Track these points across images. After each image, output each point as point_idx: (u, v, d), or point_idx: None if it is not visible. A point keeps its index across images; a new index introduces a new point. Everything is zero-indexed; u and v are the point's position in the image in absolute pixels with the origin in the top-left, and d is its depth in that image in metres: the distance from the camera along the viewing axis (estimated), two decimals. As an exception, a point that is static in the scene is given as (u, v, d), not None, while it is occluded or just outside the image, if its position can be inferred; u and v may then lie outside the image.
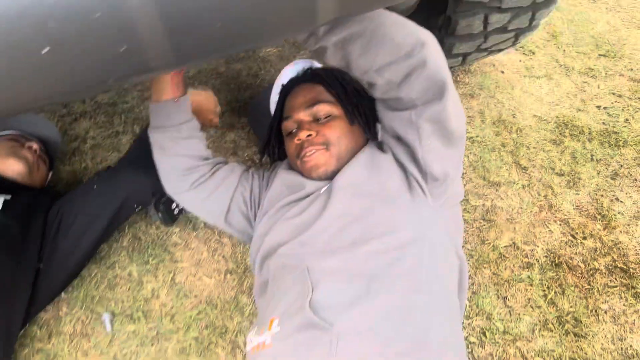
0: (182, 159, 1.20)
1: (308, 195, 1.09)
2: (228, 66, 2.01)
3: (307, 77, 1.21)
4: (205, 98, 1.41)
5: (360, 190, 1.03)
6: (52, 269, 1.29)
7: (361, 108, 1.14)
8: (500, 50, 1.65)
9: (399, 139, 1.05)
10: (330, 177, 1.10)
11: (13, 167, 1.37)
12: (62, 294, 1.36)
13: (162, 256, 1.43)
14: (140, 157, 1.30)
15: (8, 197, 1.29)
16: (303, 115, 1.14)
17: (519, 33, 1.53)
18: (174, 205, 1.47)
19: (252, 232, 1.25)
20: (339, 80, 1.15)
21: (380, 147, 1.11)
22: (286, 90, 1.24)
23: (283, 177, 1.19)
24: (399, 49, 0.93)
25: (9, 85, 0.48)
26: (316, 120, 1.14)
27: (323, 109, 1.14)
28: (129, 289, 1.37)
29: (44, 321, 1.32)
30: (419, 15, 1.58)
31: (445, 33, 1.46)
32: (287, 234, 1.05)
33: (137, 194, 1.36)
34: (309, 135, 1.10)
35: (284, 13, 0.53)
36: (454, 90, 0.98)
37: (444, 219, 1.05)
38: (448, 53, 1.52)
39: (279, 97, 1.26)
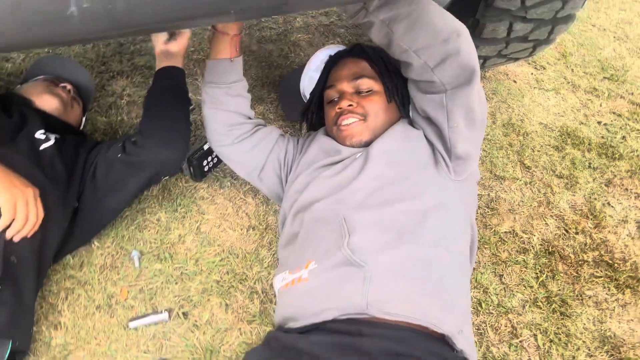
0: (230, 114, 1.33)
1: (343, 160, 1.22)
2: (260, 45, 2.13)
3: (353, 52, 1.34)
4: None
5: (394, 158, 1.17)
6: (86, 212, 1.39)
7: (399, 87, 1.27)
8: (516, 59, 1.80)
9: (428, 119, 1.19)
10: (364, 145, 1.23)
11: (48, 101, 1.48)
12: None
13: (189, 207, 1.54)
14: (165, 132, 1.39)
15: (57, 136, 1.40)
16: (346, 87, 1.27)
17: (537, 44, 1.68)
18: (205, 162, 1.58)
19: (281, 191, 1.38)
20: (383, 59, 1.28)
21: (411, 124, 1.25)
22: (332, 61, 1.37)
23: (320, 142, 1.31)
24: (438, 35, 1.06)
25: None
26: (357, 92, 1.27)
27: (365, 83, 1.27)
28: (157, 232, 1.48)
29: (77, 252, 1.42)
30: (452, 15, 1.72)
31: (472, 35, 1.59)
32: (324, 191, 1.18)
33: (165, 169, 1.45)
34: (350, 105, 1.24)
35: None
36: (479, 81, 1.12)
37: (462, 192, 1.20)
38: (471, 54, 1.66)
39: (324, 67, 1.39)
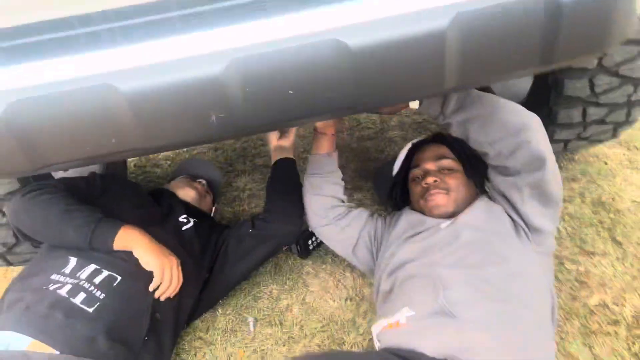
0: (327, 199, 1.59)
1: (428, 229, 1.41)
2: (359, 143, 2.44)
3: (435, 139, 1.57)
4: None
5: (480, 227, 1.35)
6: (216, 280, 1.69)
7: (475, 168, 1.46)
8: (601, 141, 1.89)
9: (504, 197, 1.38)
10: (447, 217, 1.42)
11: (188, 193, 1.86)
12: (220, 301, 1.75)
13: (296, 280, 1.78)
14: (286, 210, 1.71)
15: (195, 220, 1.75)
16: (430, 165, 1.50)
17: (617, 126, 1.77)
18: (310, 242, 1.84)
19: (373, 265, 1.58)
20: (460, 144, 1.49)
21: (490, 199, 1.43)
22: (415, 147, 1.61)
23: (407, 217, 1.53)
24: (509, 129, 1.29)
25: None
26: (440, 171, 1.49)
27: (447, 163, 1.49)
28: (269, 302, 1.72)
29: (204, 317, 1.70)
30: (529, 104, 1.89)
31: (547, 121, 1.74)
32: (414, 254, 1.37)
33: (285, 239, 1.76)
34: (435, 181, 1.45)
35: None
36: (554, 163, 1.30)
37: (541, 261, 1.35)
38: (550, 139, 1.78)
39: (408, 152, 1.63)
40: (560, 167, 2.00)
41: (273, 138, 1.80)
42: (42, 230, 1.45)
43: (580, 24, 0.86)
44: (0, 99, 0.83)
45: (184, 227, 1.68)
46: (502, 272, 1.24)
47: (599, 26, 0.89)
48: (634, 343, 1.41)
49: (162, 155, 2.61)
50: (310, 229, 1.80)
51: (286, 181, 1.74)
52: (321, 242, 1.87)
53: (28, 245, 1.69)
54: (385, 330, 1.26)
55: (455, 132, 1.40)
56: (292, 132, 1.80)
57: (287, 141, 1.78)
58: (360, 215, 1.63)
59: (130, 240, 1.46)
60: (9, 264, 1.80)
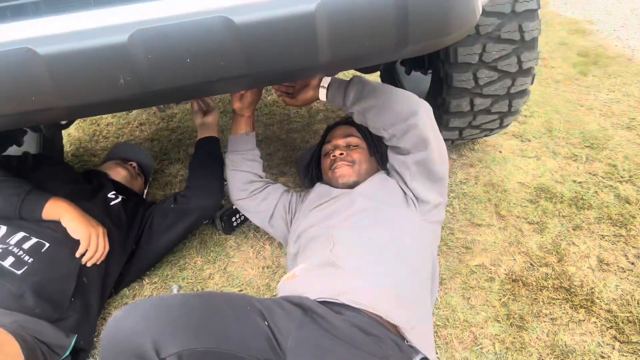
0: (246, 174, 1.78)
1: (333, 198, 1.62)
2: (288, 135, 2.63)
3: (346, 121, 1.79)
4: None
5: (374, 196, 1.57)
6: (142, 251, 1.82)
7: (378, 147, 1.69)
8: (492, 130, 2.15)
9: (397, 173, 1.61)
10: (351, 187, 1.63)
11: (120, 172, 2.01)
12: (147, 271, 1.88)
13: (220, 253, 1.94)
14: (205, 186, 1.88)
15: (124, 197, 1.88)
16: (339, 141, 1.73)
17: (502, 116, 2.04)
18: (233, 219, 2.00)
19: (288, 234, 1.76)
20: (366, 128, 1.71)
21: (388, 175, 1.66)
22: (329, 127, 1.83)
23: (316, 190, 1.73)
24: (399, 115, 1.53)
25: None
26: (347, 146, 1.70)
27: (353, 140, 1.72)
28: (193, 272, 1.87)
29: (131, 286, 1.83)
30: (428, 98, 2.14)
31: (442, 110, 1.99)
32: (317, 219, 1.58)
33: (205, 213, 1.91)
34: (341, 154, 1.66)
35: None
36: (439, 145, 1.56)
37: (426, 228, 1.58)
38: (446, 126, 2.04)
39: (324, 132, 1.84)
40: (461, 155, 2.27)
41: (197, 116, 1.96)
42: None
43: (424, 13, 1.09)
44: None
45: (113, 202, 1.82)
46: (385, 233, 1.45)
47: (440, 15, 1.12)
48: (504, 295, 1.65)
49: (99, 145, 2.72)
50: (233, 207, 1.97)
51: (207, 158, 1.91)
52: (244, 220, 2.05)
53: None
54: (284, 282, 1.45)
55: (357, 119, 1.63)
56: (215, 110, 1.97)
57: (210, 118, 1.95)
58: (276, 190, 1.82)
59: (58, 210, 1.59)
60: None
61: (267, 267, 1.87)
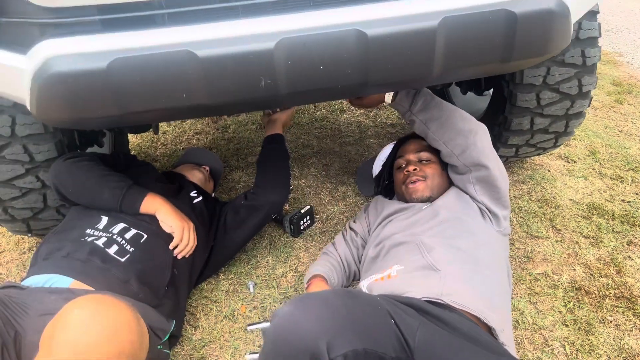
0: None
1: (413, 208, 1.73)
2: (341, 148, 2.76)
3: (416, 135, 1.91)
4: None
5: (454, 209, 1.69)
6: (218, 247, 1.92)
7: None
8: (545, 149, 2.27)
9: (463, 191, 1.72)
10: (424, 201, 1.74)
11: (196, 175, 2.13)
12: (222, 267, 1.99)
13: (290, 254, 2.04)
14: (272, 182, 2.00)
15: (204, 197, 2.00)
16: (412, 156, 1.84)
17: (557, 136, 2.16)
18: (301, 223, 2.12)
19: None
20: None
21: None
22: (400, 142, 1.95)
23: (392, 203, 1.83)
24: (460, 132, 1.66)
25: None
26: (419, 161, 1.81)
27: (426, 155, 1.83)
28: (266, 270, 1.98)
29: (208, 281, 1.94)
30: (486, 116, 2.27)
31: (503, 128, 2.11)
32: (400, 228, 1.68)
33: (274, 208, 2.02)
34: (415, 169, 1.77)
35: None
36: (498, 163, 1.68)
37: (500, 239, 1.69)
38: (505, 143, 2.17)
39: (394, 146, 1.95)
40: (512, 172, 2.39)
41: (265, 114, 2.13)
42: (81, 191, 1.68)
43: (530, 30, 1.22)
44: (104, 57, 1.09)
45: (195, 200, 1.93)
46: (471, 242, 1.56)
47: (544, 35, 1.25)
48: (569, 301, 1.75)
49: (158, 151, 2.85)
50: (303, 210, 2.08)
51: (273, 155, 2.04)
52: (312, 223, 2.16)
53: (52, 212, 1.89)
54: (377, 282, 1.54)
55: (417, 128, 1.75)
56: (290, 110, 2.14)
57: (281, 115, 2.11)
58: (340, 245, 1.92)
59: (155, 204, 1.71)
60: (29, 231, 1.98)
61: (337, 269, 1.97)
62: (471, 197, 1.71)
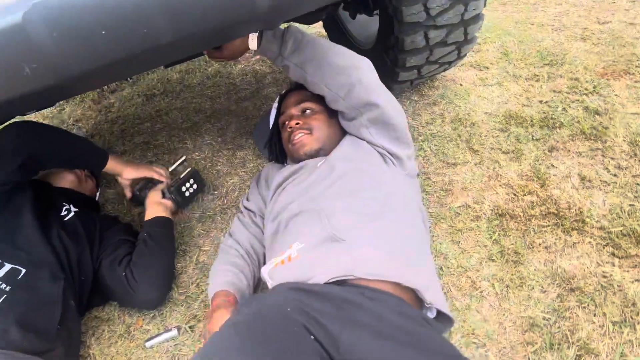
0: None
1: (306, 168, 1.48)
2: (238, 104, 2.46)
3: (297, 86, 1.64)
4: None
5: (351, 158, 1.44)
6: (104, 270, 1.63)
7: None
8: (450, 63, 2.04)
9: (358, 137, 1.48)
10: (317, 155, 1.50)
11: (66, 178, 1.80)
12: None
13: (188, 243, 1.79)
14: (154, 281, 1.59)
15: (77, 210, 1.68)
16: (294, 110, 1.58)
17: (460, 46, 1.93)
18: (183, 189, 1.84)
19: None
20: None
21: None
22: (282, 96, 1.68)
23: (286, 167, 1.58)
24: (342, 70, 1.39)
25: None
26: (303, 113, 1.55)
27: (307, 105, 1.57)
28: (163, 269, 1.72)
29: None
30: (379, 40, 2.00)
31: (397, 50, 1.86)
32: (295, 195, 1.43)
33: (147, 305, 1.62)
34: (297, 123, 1.51)
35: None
36: (389, 99, 1.45)
37: (409, 183, 1.48)
38: (403, 67, 1.92)
39: (277, 102, 1.68)
40: (422, 95, 2.16)
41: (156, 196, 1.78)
42: (61, 141, 1.62)
43: None
44: None
45: (66, 219, 1.62)
46: (377, 194, 1.34)
47: None
48: (494, 232, 1.58)
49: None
50: (181, 176, 1.84)
51: (156, 248, 1.64)
52: (199, 188, 1.90)
53: None
54: (278, 267, 1.30)
55: (293, 74, 1.47)
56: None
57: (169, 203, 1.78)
58: (245, 221, 1.65)
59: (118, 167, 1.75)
60: None
61: (242, 250, 1.73)
62: (368, 142, 1.48)
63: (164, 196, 1.79)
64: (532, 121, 1.97)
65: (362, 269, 1.14)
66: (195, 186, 1.86)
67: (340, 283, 1.15)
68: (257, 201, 1.66)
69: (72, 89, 1.07)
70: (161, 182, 1.82)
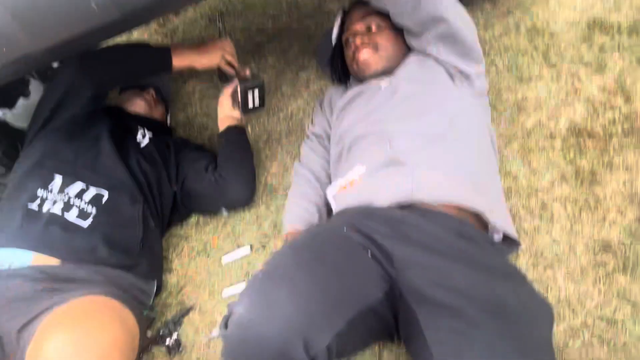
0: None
1: (371, 89, 1.46)
2: (300, 22, 2.40)
3: (358, 1, 1.57)
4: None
5: (416, 79, 1.40)
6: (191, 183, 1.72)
7: None
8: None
9: (425, 54, 1.42)
10: (382, 73, 1.46)
11: (138, 103, 1.87)
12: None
13: (258, 165, 1.83)
14: (241, 177, 1.69)
15: (151, 135, 1.76)
16: (358, 26, 1.53)
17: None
18: (250, 98, 1.70)
19: None
20: None
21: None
22: (345, 12, 1.62)
23: (349, 90, 1.56)
24: None
25: None
26: (368, 30, 1.50)
27: (373, 20, 1.52)
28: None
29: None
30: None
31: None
32: (360, 115, 1.43)
33: (237, 203, 1.73)
34: (362, 42, 1.47)
35: None
36: (457, 12, 1.36)
37: (477, 102, 1.43)
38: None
39: (340, 18, 1.62)
40: (494, 5, 2.01)
41: (224, 107, 1.73)
42: (121, 56, 1.56)
43: None
44: None
45: (142, 145, 1.70)
46: (442, 115, 1.31)
47: None
48: (569, 151, 1.50)
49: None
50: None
51: (239, 151, 1.72)
52: (262, 104, 1.75)
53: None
54: (341, 192, 1.33)
55: None
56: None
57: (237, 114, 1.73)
58: (313, 144, 1.68)
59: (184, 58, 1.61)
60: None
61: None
62: (435, 59, 1.42)
63: (233, 100, 1.72)
64: (619, 28, 1.79)
65: (423, 192, 1.15)
66: (257, 102, 1.73)
67: (403, 207, 1.15)
68: (323, 124, 1.66)
69: (133, 22, 1.08)
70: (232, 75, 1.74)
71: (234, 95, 1.68)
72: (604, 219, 1.35)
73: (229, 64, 1.69)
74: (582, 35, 1.82)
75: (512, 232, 1.20)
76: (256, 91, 1.69)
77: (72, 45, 1.02)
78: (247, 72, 1.70)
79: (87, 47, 1.19)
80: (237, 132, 1.73)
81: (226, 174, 1.65)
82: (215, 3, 2.78)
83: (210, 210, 1.74)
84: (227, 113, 1.73)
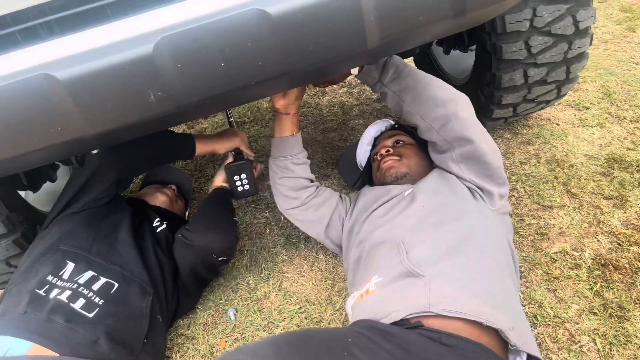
0: (296, 180, 1.64)
1: (393, 198, 1.48)
2: (324, 135, 2.50)
3: (391, 127, 1.68)
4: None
5: (437, 191, 1.44)
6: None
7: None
8: (548, 102, 1.97)
9: (447, 172, 1.46)
10: (403, 181, 1.52)
11: (159, 198, 1.90)
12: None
13: (272, 269, 1.81)
14: (211, 224, 1.65)
15: (167, 223, 1.77)
16: (387, 142, 1.62)
17: (560, 85, 1.85)
18: (236, 179, 1.82)
19: (345, 243, 1.62)
20: (412, 128, 1.59)
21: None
22: (376, 136, 1.75)
23: (370, 191, 1.59)
24: (438, 103, 1.40)
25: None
26: (394, 145, 1.59)
27: (400, 138, 1.61)
28: (247, 292, 1.75)
29: (185, 315, 1.72)
30: (473, 76, 1.97)
31: (493, 87, 1.82)
32: (380, 222, 1.44)
33: (210, 247, 1.62)
34: (387, 151, 1.55)
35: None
36: (483, 135, 1.42)
37: (498, 219, 1.43)
38: (499, 104, 1.87)
39: (373, 142, 1.73)
40: (515, 134, 2.09)
41: (219, 177, 1.88)
42: (146, 142, 1.59)
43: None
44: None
45: (158, 230, 1.71)
46: (460, 226, 1.30)
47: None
48: (595, 283, 1.47)
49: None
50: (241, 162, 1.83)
51: (218, 203, 1.76)
52: (252, 190, 1.85)
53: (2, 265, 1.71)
54: (358, 302, 1.29)
55: (390, 102, 1.50)
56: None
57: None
58: (332, 195, 1.68)
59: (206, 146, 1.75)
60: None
61: (325, 280, 1.73)
62: (457, 176, 1.45)
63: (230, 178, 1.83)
64: (638, 166, 1.84)
65: (440, 306, 1.10)
66: (247, 184, 1.82)
67: (417, 326, 1.11)
68: (348, 206, 1.67)
69: (185, 116, 1.13)
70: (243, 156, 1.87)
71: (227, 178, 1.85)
72: (635, 356, 1.28)
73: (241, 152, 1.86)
74: (601, 170, 1.87)
75: (536, 352, 1.13)
76: (243, 175, 1.82)
77: (122, 134, 1.05)
78: (230, 157, 1.86)
79: (133, 137, 1.24)
80: (221, 191, 1.81)
81: (190, 225, 1.64)
82: (243, 110, 2.93)
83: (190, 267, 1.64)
84: (217, 184, 1.86)
